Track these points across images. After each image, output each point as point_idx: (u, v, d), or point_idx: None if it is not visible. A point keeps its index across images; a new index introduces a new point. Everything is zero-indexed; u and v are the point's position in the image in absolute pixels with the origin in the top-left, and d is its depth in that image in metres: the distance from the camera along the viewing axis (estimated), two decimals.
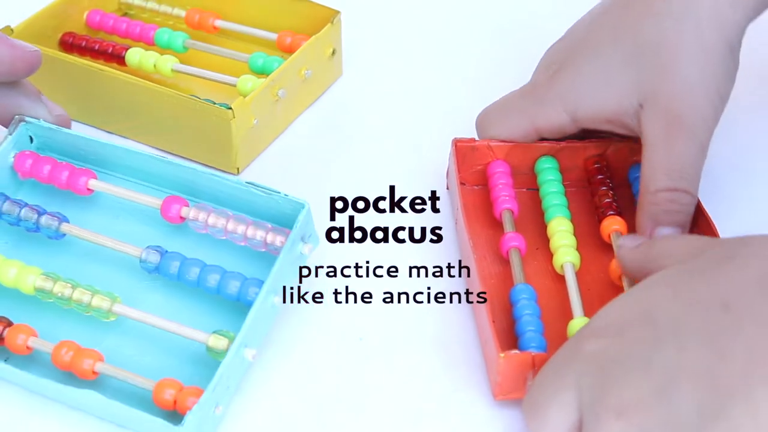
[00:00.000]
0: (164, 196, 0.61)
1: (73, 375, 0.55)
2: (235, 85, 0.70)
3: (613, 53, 0.61)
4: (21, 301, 0.59)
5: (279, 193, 0.59)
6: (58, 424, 0.55)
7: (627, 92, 0.60)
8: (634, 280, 0.55)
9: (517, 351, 0.53)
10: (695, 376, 0.45)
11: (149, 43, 0.76)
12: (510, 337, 0.56)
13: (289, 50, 0.73)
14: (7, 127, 0.63)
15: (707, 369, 0.45)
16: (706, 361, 0.45)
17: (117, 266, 0.60)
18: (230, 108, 0.65)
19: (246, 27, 0.76)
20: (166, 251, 0.59)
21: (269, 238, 0.59)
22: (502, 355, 0.52)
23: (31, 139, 0.63)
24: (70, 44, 0.76)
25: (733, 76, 0.60)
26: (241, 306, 0.57)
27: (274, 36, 0.75)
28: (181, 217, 0.60)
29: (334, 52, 0.73)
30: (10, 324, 0.57)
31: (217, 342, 0.55)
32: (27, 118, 0.62)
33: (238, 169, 0.68)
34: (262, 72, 0.72)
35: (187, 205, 0.60)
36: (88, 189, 0.61)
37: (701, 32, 0.59)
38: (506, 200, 0.62)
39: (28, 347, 0.56)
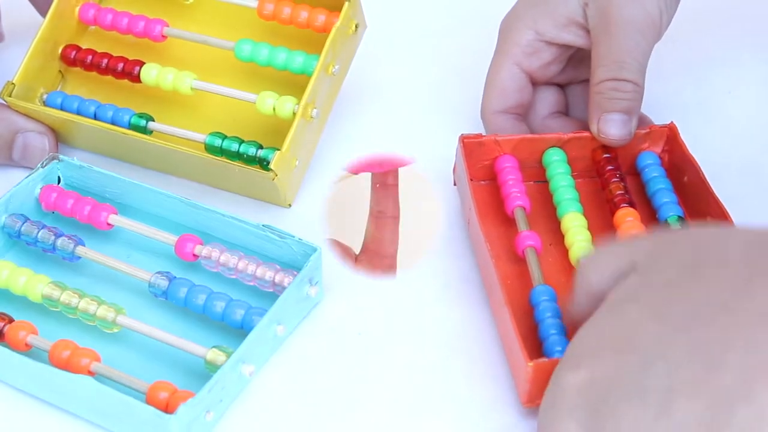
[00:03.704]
0: (180, 234, 0.62)
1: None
2: (254, 102, 0.65)
3: None
4: (28, 310, 0.59)
5: (293, 237, 0.61)
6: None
7: None
8: None
9: (545, 359, 0.52)
10: (692, 392, 0.44)
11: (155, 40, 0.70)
12: (533, 338, 0.56)
13: (272, 18, 0.68)
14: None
15: (703, 383, 0.44)
16: (701, 376, 0.45)
17: (127, 291, 0.61)
18: (270, 169, 0.63)
19: None
20: (175, 277, 0.60)
21: (278, 278, 0.60)
22: (530, 364, 0.52)
23: (59, 180, 0.66)
24: (72, 59, 0.70)
25: None
26: (245, 334, 0.57)
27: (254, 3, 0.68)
28: (194, 255, 0.61)
29: (357, 27, 0.67)
30: (11, 320, 0.57)
31: (216, 356, 0.55)
32: (61, 157, 0.65)
33: (289, 204, 0.67)
34: (250, 60, 0.67)
35: (201, 244, 0.62)
36: (108, 224, 0.63)
37: None
38: (518, 197, 0.62)
39: (27, 344, 0.56)
